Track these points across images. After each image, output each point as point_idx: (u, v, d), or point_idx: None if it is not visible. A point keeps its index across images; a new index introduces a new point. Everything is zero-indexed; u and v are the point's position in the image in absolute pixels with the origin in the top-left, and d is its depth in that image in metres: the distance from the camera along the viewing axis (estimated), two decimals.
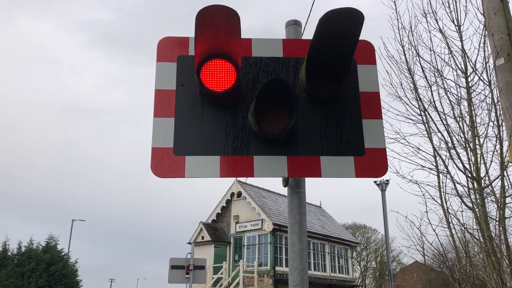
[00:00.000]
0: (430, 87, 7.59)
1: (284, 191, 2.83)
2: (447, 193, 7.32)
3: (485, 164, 7.08)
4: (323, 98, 2.61)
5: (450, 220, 7.26)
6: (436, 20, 7.62)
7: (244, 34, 2.50)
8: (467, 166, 7.12)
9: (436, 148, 7.50)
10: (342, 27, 2.28)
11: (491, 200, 7.06)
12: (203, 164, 2.47)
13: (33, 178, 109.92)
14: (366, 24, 2.29)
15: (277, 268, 27.65)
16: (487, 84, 7.01)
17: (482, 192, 6.95)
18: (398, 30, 7.84)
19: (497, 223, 6.76)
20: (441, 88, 7.60)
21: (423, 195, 7.23)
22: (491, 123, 7.07)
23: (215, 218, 31.83)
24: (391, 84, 8.03)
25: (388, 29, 7.90)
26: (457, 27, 7.49)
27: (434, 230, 7.09)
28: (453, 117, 7.43)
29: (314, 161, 2.53)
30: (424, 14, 7.71)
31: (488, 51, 6.49)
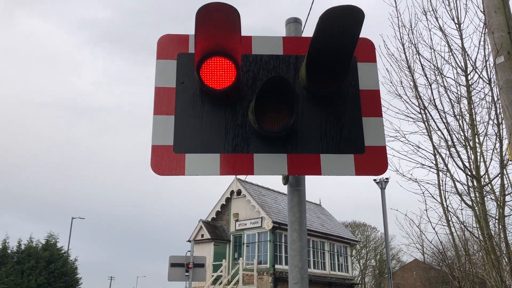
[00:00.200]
0: (430, 85, 7.59)
1: (284, 189, 2.84)
2: (447, 191, 7.33)
3: (484, 162, 7.09)
4: (323, 96, 2.61)
5: (449, 218, 7.27)
6: (436, 18, 7.62)
7: (244, 32, 2.49)
8: (467, 164, 7.13)
9: (436, 146, 7.50)
10: (342, 25, 2.28)
11: (491, 198, 7.07)
12: (203, 162, 2.47)
13: (33, 176, 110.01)
14: (366, 22, 2.29)
15: (276, 266, 27.69)
16: (487, 82, 7.01)
17: (481, 190, 6.95)
18: (398, 28, 7.83)
19: (496, 221, 6.77)
20: (441, 86, 7.61)
21: (423, 193, 7.24)
22: (491, 121, 7.08)
23: (214, 216, 31.86)
24: (391, 82, 8.03)
25: (388, 27, 7.89)
26: (457, 25, 7.48)
27: (434, 228, 7.11)
28: (453, 115, 7.43)
29: (314, 159, 2.53)
30: (424, 12, 7.70)
31: (488, 49, 6.50)
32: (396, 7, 7.73)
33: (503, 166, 6.78)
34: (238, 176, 28.55)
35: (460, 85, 7.46)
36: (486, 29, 5.79)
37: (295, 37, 2.88)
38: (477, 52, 7.29)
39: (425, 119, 7.60)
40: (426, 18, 7.66)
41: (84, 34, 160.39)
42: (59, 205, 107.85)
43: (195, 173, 2.46)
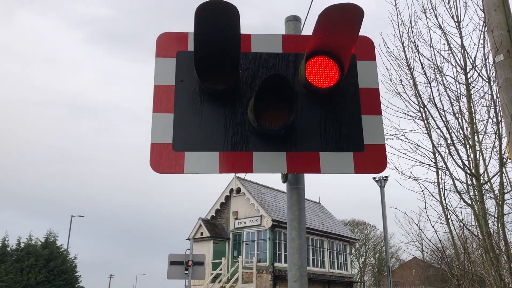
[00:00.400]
0: (430, 83, 7.58)
1: (283, 187, 2.83)
2: (446, 190, 7.32)
3: (484, 160, 7.09)
4: (321, 93, 2.61)
5: (448, 217, 7.27)
6: (436, 16, 7.60)
7: (244, 30, 2.49)
8: (466, 162, 7.13)
9: (435, 145, 7.50)
10: (342, 23, 2.28)
11: (490, 196, 7.07)
12: (202, 160, 2.47)
13: (32, 174, 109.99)
14: (366, 20, 2.29)
15: (276, 264, 27.71)
16: (487, 80, 7.00)
17: (481, 188, 6.96)
18: (398, 26, 7.82)
19: (495, 219, 6.77)
20: (441, 84, 7.59)
21: (422, 191, 7.22)
22: (490, 120, 7.07)
23: (214, 214, 31.87)
24: (391, 81, 8.01)
25: (388, 25, 7.89)
26: (456, 24, 7.47)
27: (433, 227, 7.09)
28: (452, 114, 7.42)
29: (313, 157, 2.53)
30: (423, 10, 7.69)
31: (487, 47, 6.48)
32: (395, 5, 7.72)
33: (502, 164, 6.78)
34: (238, 174, 28.56)
35: (459, 83, 7.45)
36: (486, 27, 5.78)
37: (295, 35, 2.87)
38: (477, 50, 7.31)
39: (424, 117, 7.60)
40: (426, 16, 7.66)
41: (84, 32, 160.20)
42: (59, 203, 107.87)
43: (194, 171, 2.46)
